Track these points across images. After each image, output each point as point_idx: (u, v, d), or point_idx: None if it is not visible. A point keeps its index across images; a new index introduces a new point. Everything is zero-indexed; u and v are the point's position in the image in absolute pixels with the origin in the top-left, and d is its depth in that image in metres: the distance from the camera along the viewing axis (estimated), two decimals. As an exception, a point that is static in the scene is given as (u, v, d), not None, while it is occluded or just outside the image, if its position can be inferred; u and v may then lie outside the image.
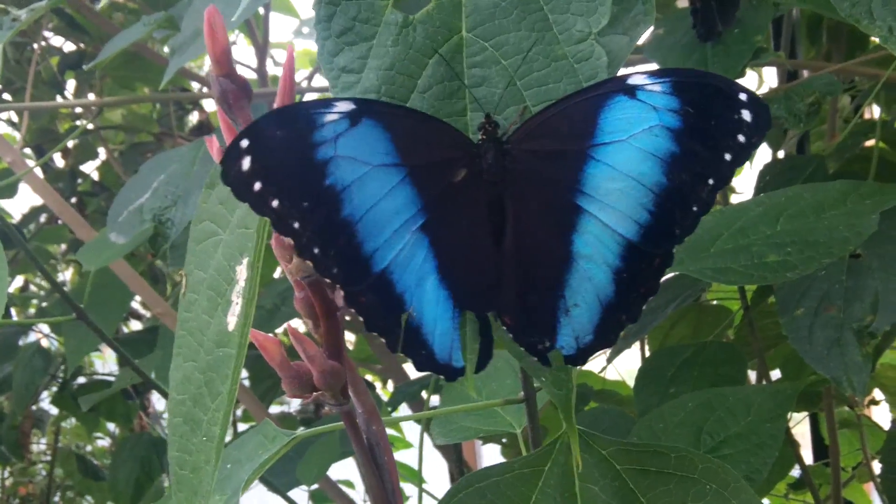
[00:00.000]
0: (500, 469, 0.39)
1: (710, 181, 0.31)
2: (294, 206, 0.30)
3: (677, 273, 0.65)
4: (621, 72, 0.34)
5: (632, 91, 0.31)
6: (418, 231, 0.32)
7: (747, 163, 0.88)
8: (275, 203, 0.30)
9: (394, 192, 0.32)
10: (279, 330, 1.01)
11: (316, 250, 0.31)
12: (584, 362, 0.34)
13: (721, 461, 0.38)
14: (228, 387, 0.34)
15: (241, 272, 0.35)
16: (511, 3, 0.32)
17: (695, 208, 0.31)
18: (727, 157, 0.30)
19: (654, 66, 0.73)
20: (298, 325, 0.98)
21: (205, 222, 0.37)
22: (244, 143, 0.30)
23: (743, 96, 0.30)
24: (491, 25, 0.33)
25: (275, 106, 0.35)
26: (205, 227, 0.37)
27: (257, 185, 0.30)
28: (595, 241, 0.32)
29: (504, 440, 1.11)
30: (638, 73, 0.31)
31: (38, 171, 1.19)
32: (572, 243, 0.32)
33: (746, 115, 0.30)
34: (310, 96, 1.04)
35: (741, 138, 0.30)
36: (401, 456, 1.48)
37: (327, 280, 0.33)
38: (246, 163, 0.30)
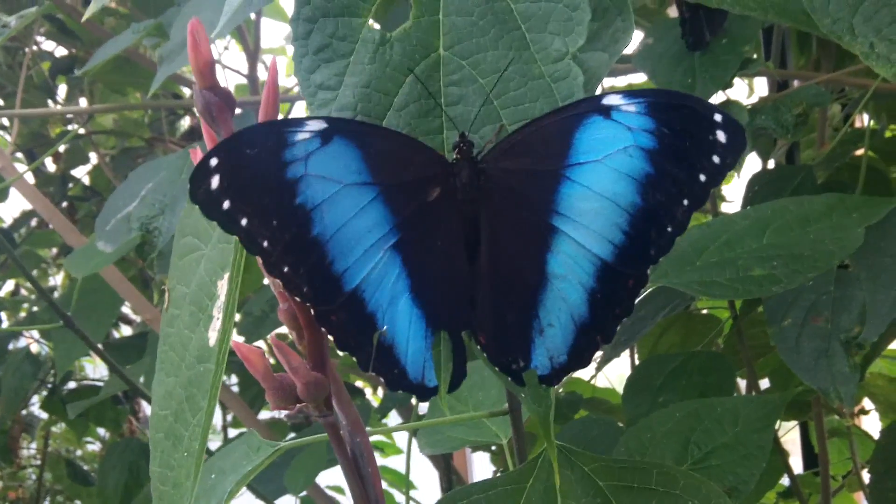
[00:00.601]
0: (483, 486, 0.39)
1: (685, 202, 0.31)
2: (263, 224, 0.30)
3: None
4: (609, 80, 0.34)
5: (607, 111, 0.31)
6: (391, 250, 0.32)
7: (735, 172, 0.88)
8: (244, 221, 0.30)
9: (366, 211, 0.31)
10: (270, 336, 1.01)
11: (285, 269, 0.31)
12: (558, 382, 0.34)
13: (704, 476, 0.38)
14: (208, 402, 0.33)
15: (223, 287, 0.34)
16: (488, 22, 0.32)
17: (669, 229, 0.31)
18: (702, 177, 0.30)
19: (641, 76, 0.73)
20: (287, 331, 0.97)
21: (187, 237, 0.37)
22: (213, 161, 0.29)
23: (718, 117, 0.30)
24: (468, 44, 0.33)
25: (259, 117, 0.35)
26: (187, 241, 0.37)
27: (226, 204, 0.30)
28: (569, 261, 0.32)
29: (493, 447, 1.11)
30: (613, 94, 0.31)
31: (29, 176, 1.19)
32: (547, 263, 0.32)
33: (721, 136, 0.30)
34: (299, 103, 1.04)
35: (716, 159, 0.30)
36: (391, 461, 1.48)
37: (297, 298, 0.33)
38: (215, 181, 0.29)
